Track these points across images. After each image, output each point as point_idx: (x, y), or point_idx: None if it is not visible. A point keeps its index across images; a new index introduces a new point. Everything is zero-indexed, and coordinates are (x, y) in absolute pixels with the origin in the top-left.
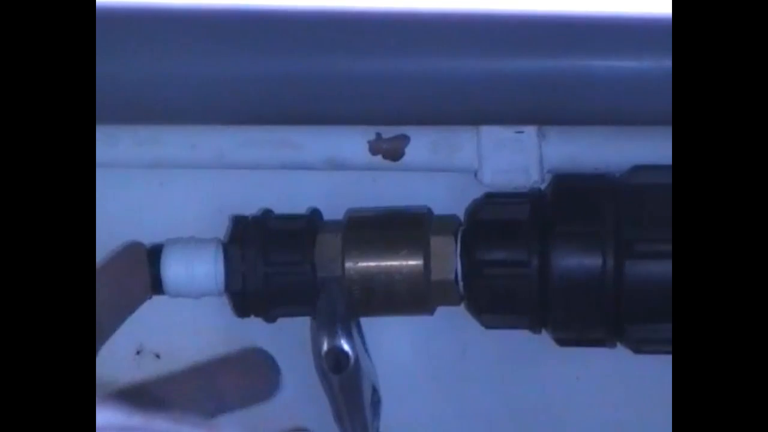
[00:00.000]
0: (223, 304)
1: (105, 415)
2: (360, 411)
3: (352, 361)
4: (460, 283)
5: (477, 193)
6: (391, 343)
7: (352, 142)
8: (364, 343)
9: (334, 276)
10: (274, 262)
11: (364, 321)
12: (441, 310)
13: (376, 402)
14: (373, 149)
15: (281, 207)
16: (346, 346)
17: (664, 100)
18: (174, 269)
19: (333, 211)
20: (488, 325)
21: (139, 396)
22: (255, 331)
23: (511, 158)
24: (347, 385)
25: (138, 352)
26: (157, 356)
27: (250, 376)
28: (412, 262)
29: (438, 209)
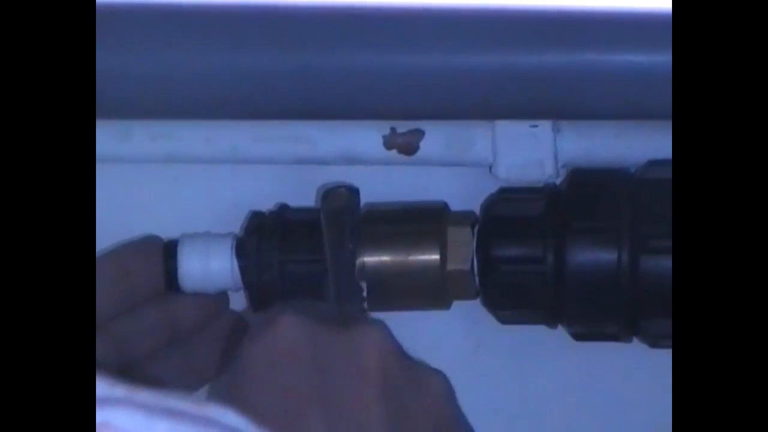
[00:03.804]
0: (239, 300)
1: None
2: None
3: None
4: (476, 278)
5: (491, 187)
6: (405, 338)
7: (366, 137)
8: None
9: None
10: (290, 254)
11: (380, 315)
12: (455, 305)
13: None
14: (388, 144)
15: (295, 202)
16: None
17: None
18: (190, 264)
19: None
20: (504, 321)
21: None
22: None
23: (526, 153)
24: (339, 221)
25: None
26: None
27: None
28: (428, 257)
29: (452, 204)
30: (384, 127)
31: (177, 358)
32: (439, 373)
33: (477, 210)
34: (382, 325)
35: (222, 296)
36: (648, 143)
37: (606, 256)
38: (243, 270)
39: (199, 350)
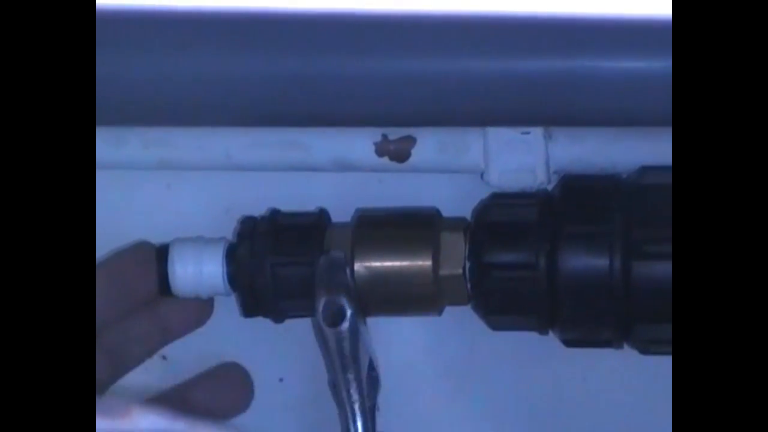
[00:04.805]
0: (231, 305)
1: (148, 420)
2: (356, 376)
3: (348, 315)
4: (468, 283)
5: (483, 194)
6: (398, 343)
7: (358, 144)
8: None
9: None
10: (282, 260)
11: (373, 320)
12: (448, 310)
13: (375, 378)
14: (380, 150)
15: (288, 208)
16: (343, 301)
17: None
18: (181, 268)
19: (339, 212)
20: (495, 327)
21: None
22: (261, 332)
23: (518, 159)
24: (343, 345)
25: None
26: (164, 358)
27: (222, 393)
28: (421, 262)
29: (445, 210)
30: (376, 133)
31: (178, 406)
32: None
33: (469, 216)
34: None
35: (209, 301)
36: (640, 149)
37: (598, 261)
38: (234, 275)
39: (201, 399)
